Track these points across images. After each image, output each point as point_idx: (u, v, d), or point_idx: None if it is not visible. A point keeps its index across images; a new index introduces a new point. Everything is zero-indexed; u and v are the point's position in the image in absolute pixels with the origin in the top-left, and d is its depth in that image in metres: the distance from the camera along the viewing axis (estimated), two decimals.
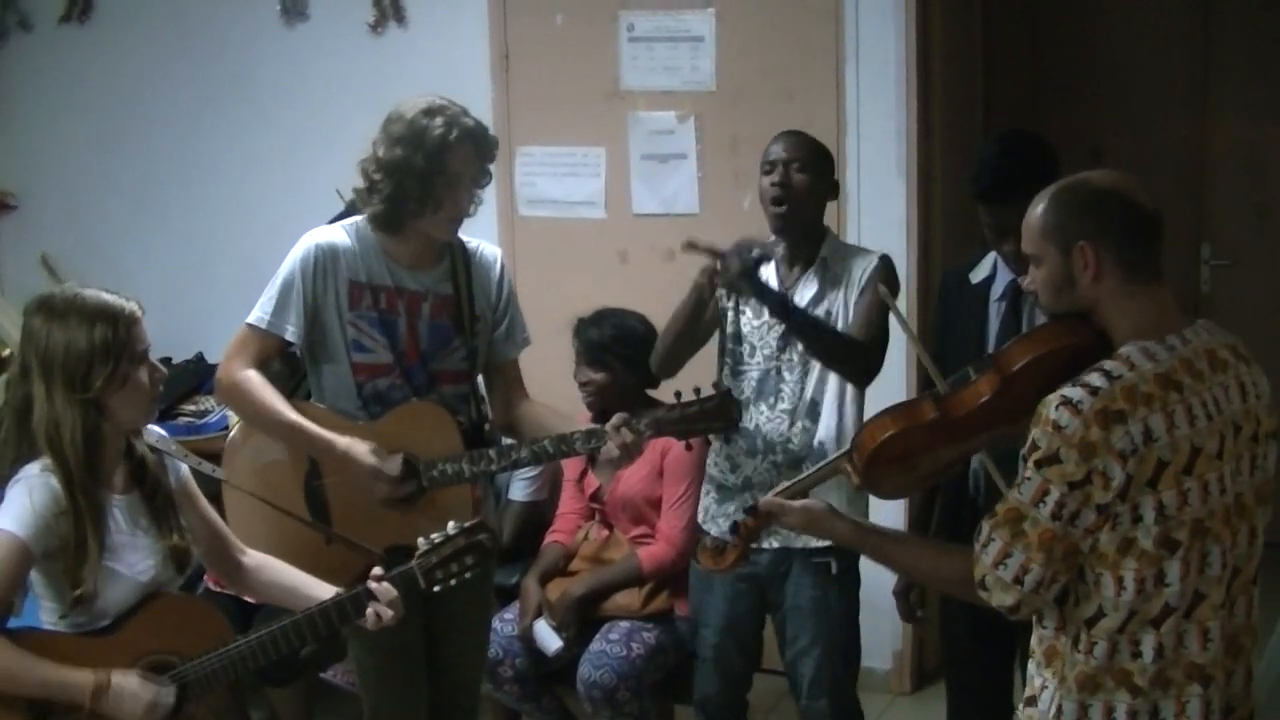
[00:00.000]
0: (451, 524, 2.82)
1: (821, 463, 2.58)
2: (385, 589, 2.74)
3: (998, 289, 3.26)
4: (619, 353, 4.02)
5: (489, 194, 4.83)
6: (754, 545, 2.72)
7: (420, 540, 2.81)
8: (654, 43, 4.76)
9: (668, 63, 4.76)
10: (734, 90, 4.70)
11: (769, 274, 3.45)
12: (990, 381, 2.31)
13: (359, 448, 3.14)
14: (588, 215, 4.95)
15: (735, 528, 2.66)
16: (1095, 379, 2.14)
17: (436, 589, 2.80)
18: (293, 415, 3.17)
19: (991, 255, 3.28)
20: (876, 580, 4.73)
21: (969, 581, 2.25)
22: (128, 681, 2.58)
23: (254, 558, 2.96)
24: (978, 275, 3.33)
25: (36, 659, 2.56)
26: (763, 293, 3.25)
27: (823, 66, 4.59)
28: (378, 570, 2.81)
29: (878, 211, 4.59)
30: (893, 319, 2.94)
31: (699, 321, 3.43)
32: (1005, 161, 3.23)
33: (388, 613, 2.74)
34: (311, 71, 5.27)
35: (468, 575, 2.80)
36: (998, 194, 3.17)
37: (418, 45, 5.09)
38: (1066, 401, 2.13)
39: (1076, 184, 2.28)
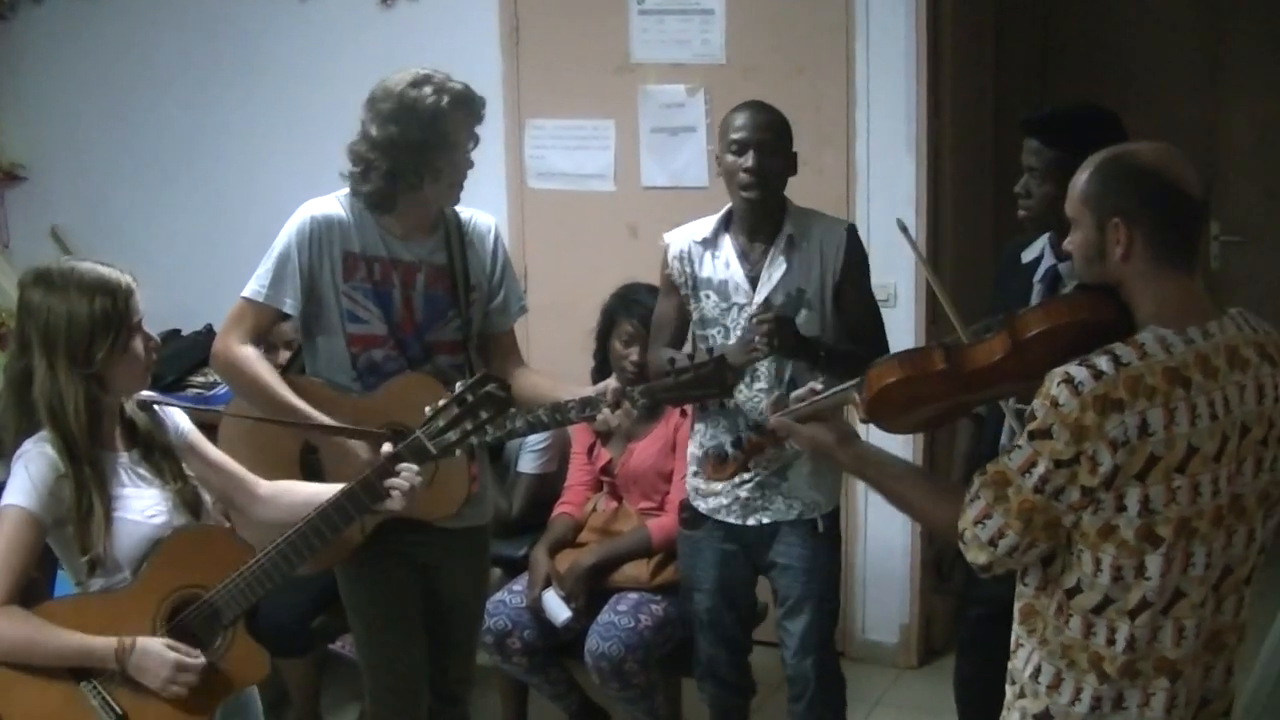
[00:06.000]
0: (459, 384, 2.79)
1: (834, 389, 2.52)
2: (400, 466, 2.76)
3: (1040, 271, 3.25)
4: None
5: (498, 166, 4.88)
6: (751, 470, 2.71)
7: (427, 409, 2.80)
8: (664, 15, 4.75)
9: (678, 35, 4.74)
10: (744, 63, 4.68)
11: (728, 254, 3.48)
12: (1003, 343, 2.28)
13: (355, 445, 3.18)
14: (597, 188, 4.94)
15: (739, 442, 2.65)
16: (1102, 362, 2.10)
17: (456, 452, 2.80)
18: (291, 397, 3.17)
19: (1044, 237, 3.27)
20: (883, 554, 4.79)
21: (955, 529, 2.24)
22: (151, 644, 2.60)
23: (269, 487, 2.95)
24: (1029, 255, 3.33)
25: (56, 628, 2.57)
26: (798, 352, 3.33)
27: (833, 40, 4.58)
28: (386, 448, 2.81)
29: (888, 187, 4.58)
30: (917, 262, 2.92)
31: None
32: (1062, 108, 3.24)
33: (405, 485, 2.74)
34: (321, 44, 5.26)
35: (487, 429, 2.79)
36: (1030, 124, 3.19)
37: (427, 18, 5.08)
38: (1069, 380, 2.10)
39: (1124, 155, 2.22)
